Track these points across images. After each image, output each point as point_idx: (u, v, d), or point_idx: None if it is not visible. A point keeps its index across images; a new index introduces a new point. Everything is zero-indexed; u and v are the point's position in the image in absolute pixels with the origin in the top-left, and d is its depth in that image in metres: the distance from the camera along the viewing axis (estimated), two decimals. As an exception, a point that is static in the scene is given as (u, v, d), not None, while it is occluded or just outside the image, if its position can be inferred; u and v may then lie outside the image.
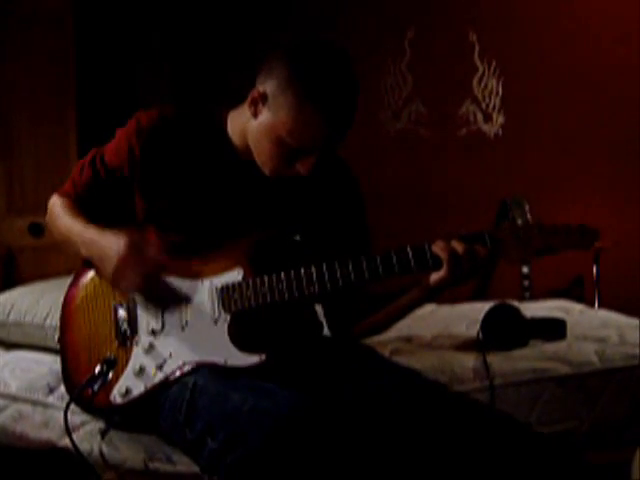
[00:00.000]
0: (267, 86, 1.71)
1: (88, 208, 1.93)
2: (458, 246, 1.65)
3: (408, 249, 1.68)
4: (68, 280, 2.03)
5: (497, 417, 1.71)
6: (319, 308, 2.04)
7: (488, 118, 4.41)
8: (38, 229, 3.63)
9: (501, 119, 4.41)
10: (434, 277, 1.70)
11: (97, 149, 1.94)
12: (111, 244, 1.77)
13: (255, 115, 1.75)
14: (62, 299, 1.99)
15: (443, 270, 1.67)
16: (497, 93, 4.40)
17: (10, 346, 2.49)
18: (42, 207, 2.06)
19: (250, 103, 1.75)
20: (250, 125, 1.78)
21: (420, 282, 1.77)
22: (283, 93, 1.68)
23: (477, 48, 4.38)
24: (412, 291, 1.81)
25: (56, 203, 1.97)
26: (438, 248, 1.66)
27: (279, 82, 1.69)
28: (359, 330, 1.98)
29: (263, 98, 1.72)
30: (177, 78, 4.49)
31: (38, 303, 2.47)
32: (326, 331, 2.08)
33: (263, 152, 1.77)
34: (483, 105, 4.41)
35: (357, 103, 1.71)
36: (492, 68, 4.38)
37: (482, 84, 4.40)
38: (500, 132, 4.41)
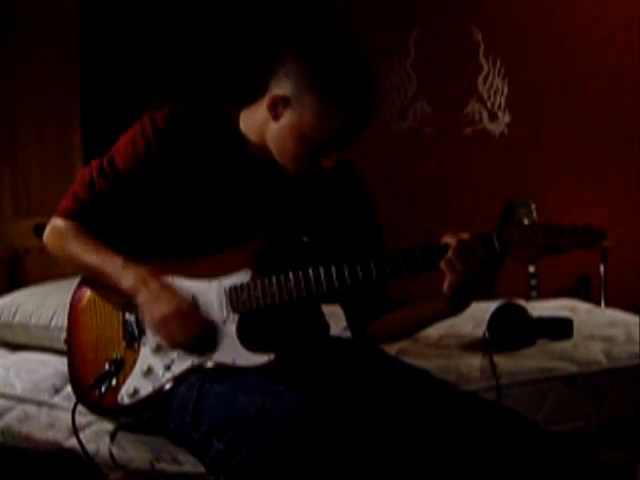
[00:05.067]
0: (286, 88, 1.72)
1: (97, 222, 1.88)
2: (466, 244, 1.65)
3: (416, 248, 1.68)
4: (73, 281, 2.03)
5: (507, 416, 1.71)
6: (329, 309, 2.04)
7: (493, 117, 4.41)
8: (43, 231, 3.63)
9: (507, 118, 4.40)
10: (445, 284, 1.70)
11: (99, 159, 1.89)
12: (170, 297, 1.76)
13: (276, 118, 1.76)
14: (68, 300, 1.98)
15: (450, 271, 1.66)
16: (502, 92, 4.39)
17: (16, 347, 2.49)
18: (47, 209, 2.04)
19: (270, 107, 1.75)
20: (270, 127, 1.78)
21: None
22: (305, 93, 1.70)
23: (482, 47, 4.37)
24: (434, 303, 1.80)
25: (63, 227, 1.90)
26: (448, 249, 1.66)
27: (299, 83, 1.70)
28: (377, 333, 1.97)
29: (284, 100, 1.73)
30: (182, 79, 4.49)
31: (43, 304, 2.48)
32: (335, 332, 2.08)
33: (287, 152, 1.78)
34: (488, 104, 4.41)
35: (375, 99, 1.75)
36: (497, 67, 4.38)
37: (487, 83, 4.40)
38: (506, 131, 4.41)
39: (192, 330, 1.77)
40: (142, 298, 1.79)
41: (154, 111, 1.86)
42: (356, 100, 1.71)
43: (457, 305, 1.76)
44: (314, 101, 1.69)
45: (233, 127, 1.87)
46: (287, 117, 1.74)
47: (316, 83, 1.69)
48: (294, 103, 1.72)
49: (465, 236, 1.65)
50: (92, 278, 1.90)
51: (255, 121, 1.83)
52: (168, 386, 1.78)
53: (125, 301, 1.86)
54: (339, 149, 1.76)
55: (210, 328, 1.78)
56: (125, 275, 1.80)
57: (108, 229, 1.88)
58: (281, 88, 1.73)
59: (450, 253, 1.65)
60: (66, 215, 1.90)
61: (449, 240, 1.66)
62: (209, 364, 1.77)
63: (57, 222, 1.92)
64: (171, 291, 1.78)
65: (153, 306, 1.77)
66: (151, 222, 1.88)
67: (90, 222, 1.88)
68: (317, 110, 1.70)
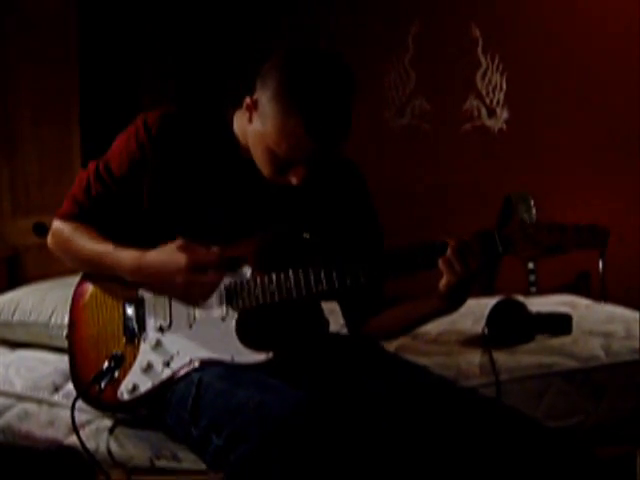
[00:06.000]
0: (260, 94, 1.71)
1: (96, 223, 1.91)
2: (466, 244, 1.65)
3: (416, 246, 1.68)
4: (72, 279, 2.04)
5: (506, 412, 1.71)
6: (329, 305, 2.04)
7: (492, 113, 4.41)
8: (43, 229, 3.63)
9: (505, 114, 4.40)
10: (442, 282, 1.70)
11: (96, 162, 1.91)
12: (172, 262, 1.76)
13: (250, 121, 1.75)
14: (67, 298, 1.99)
15: (449, 271, 1.66)
16: (501, 88, 4.39)
17: (15, 345, 2.49)
18: (46, 207, 2.05)
19: (245, 109, 1.75)
20: (248, 129, 1.78)
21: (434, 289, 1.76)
22: (270, 103, 1.67)
23: (481, 43, 4.37)
24: (429, 300, 1.81)
25: (63, 229, 1.93)
26: (446, 242, 1.66)
27: (269, 91, 1.67)
28: (374, 330, 1.97)
29: (255, 105, 1.72)
30: (180, 78, 4.49)
31: (43, 302, 2.48)
32: (334, 328, 2.09)
33: (257, 158, 1.78)
34: (487, 100, 4.41)
35: (347, 117, 1.68)
36: (496, 63, 4.37)
37: (486, 79, 4.39)
38: (504, 127, 4.41)
39: (209, 286, 1.77)
40: (149, 287, 1.83)
41: (147, 113, 1.87)
42: (317, 117, 1.64)
43: (453, 303, 1.76)
44: (276, 112, 1.66)
45: (225, 127, 1.87)
46: (256, 123, 1.73)
47: (281, 94, 1.65)
48: (261, 110, 1.70)
49: (465, 237, 1.65)
50: (97, 272, 1.91)
51: (242, 122, 1.82)
52: (167, 382, 1.78)
53: (126, 297, 1.88)
54: (305, 165, 1.72)
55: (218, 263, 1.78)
56: (118, 262, 1.83)
57: (108, 229, 1.89)
58: (257, 92, 1.71)
59: (449, 253, 1.65)
60: (65, 217, 1.93)
61: (449, 239, 1.66)
62: (207, 361, 1.77)
63: (57, 225, 1.95)
64: (164, 265, 1.77)
65: (163, 291, 1.81)
66: (150, 222, 1.89)
67: (89, 222, 1.91)
68: (277, 121, 1.66)
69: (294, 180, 1.74)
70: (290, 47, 1.74)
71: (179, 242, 1.77)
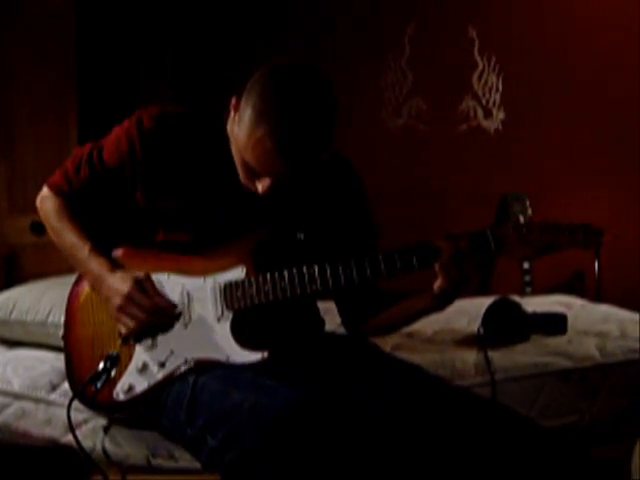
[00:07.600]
0: (244, 97, 1.71)
1: (83, 205, 1.94)
2: (462, 245, 1.65)
3: (411, 246, 1.68)
4: (70, 278, 2.04)
5: (500, 411, 1.72)
6: (324, 305, 2.05)
7: (488, 114, 4.41)
8: (40, 227, 3.63)
9: (501, 115, 4.41)
10: (437, 285, 1.70)
11: (93, 144, 1.92)
12: (117, 286, 1.80)
13: (233, 121, 1.75)
14: (65, 297, 2.00)
15: (444, 276, 1.67)
16: (497, 89, 4.40)
17: (12, 344, 2.49)
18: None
19: (231, 108, 1.75)
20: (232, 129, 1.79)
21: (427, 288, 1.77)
22: (247, 107, 1.67)
23: (477, 44, 4.38)
24: (423, 298, 1.81)
25: (50, 200, 1.97)
26: (442, 246, 1.67)
27: (251, 97, 1.68)
28: (370, 328, 1.98)
29: (235, 109, 1.73)
30: (178, 76, 4.49)
31: (40, 301, 2.48)
32: (330, 328, 2.09)
33: (235, 159, 1.78)
34: (483, 101, 4.41)
35: (318, 136, 1.67)
36: (492, 64, 4.38)
37: (482, 80, 4.40)
38: (500, 128, 4.41)
39: (137, 320, 1.79)
40: (101, 296, 1.87)
41: (144, 109, 1.87)
42: (285, 133, 1.62)
43: (445, 302, 1.77)
44: (248, 119, 1.66)
45: (221, 127, 1.86)
46: (235, 124, 1.73)
47: (256, 103, 1.65)
48: (240, 112, 1.70)
49: (460, 241, 1.65)
50: (66, 258, 1.95)
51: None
52: (163, 383, 1.79)
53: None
54: (272, 177, 1.71)
55: (166, 313, 1.81)
56: (87, 269, 1.88)
57: (98, 215, 1.92)
58: (242, 96, 1.72)
59: (444, 259, 1.65)
60: (54, 190, 1.97)
61: (444, 243, 1.67)
62: (203, 361, 1.77)
63: (46, 193, 1.99)
64: (112, 285, 1.81)
65: (108, 306, 1.83)
66: (144, 218, 1.89)
67: (75, 204, 1.94)
68: (247, 129, 1.66)
69: (259, 189, 1.73)
70: (285, 58, 1.75)
71: (143, 274, 1.81)
